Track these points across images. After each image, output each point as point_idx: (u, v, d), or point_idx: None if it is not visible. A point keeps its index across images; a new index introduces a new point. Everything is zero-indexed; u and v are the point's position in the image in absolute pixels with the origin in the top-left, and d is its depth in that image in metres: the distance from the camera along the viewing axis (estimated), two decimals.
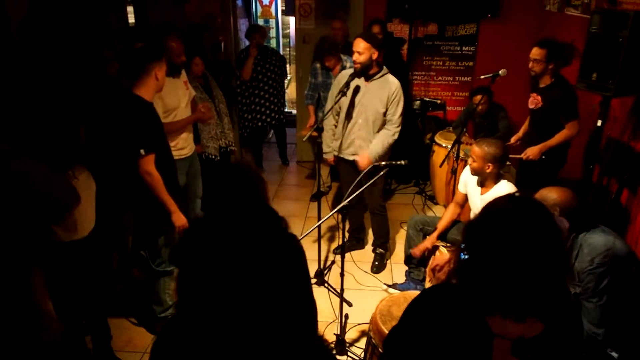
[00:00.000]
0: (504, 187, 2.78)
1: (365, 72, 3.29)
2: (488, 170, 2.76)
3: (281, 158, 6.01)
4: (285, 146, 5.98)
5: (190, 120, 3.38)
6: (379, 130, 3.42)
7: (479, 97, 4.28)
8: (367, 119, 3.39)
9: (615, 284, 2.07)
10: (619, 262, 2.07)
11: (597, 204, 3.24)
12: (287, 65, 7.71)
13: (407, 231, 3.40)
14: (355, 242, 4.05)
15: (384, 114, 3.37)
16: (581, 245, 2.12)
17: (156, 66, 2.59)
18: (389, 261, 3.91)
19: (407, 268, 3.50)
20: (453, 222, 3.17)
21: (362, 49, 3.19)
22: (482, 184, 2.89)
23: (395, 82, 3.35)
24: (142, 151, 2.55)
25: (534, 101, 3.51)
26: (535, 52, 3.33)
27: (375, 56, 3.24)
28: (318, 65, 4.50)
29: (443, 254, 2.96)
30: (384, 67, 3.39)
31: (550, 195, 2.10)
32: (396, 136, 3.42)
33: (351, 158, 3.55)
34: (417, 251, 3.09)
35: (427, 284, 3.12)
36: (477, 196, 2.92)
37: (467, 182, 3.04)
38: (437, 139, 4.56)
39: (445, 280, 2.65)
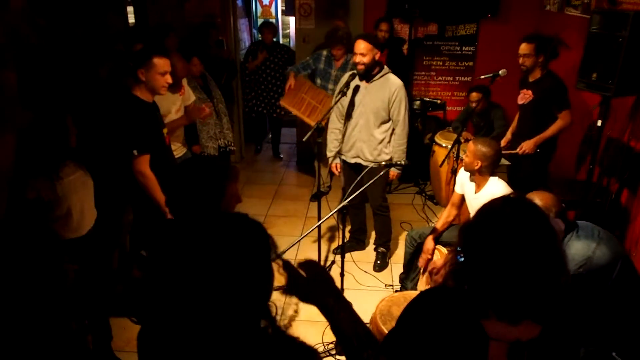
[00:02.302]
0: (495, 185, 2.78)
1: (368, 73, 3.28)
2: (476, 167, 2.76)
3: (273, 151, 6.19)
4: (279, 140, 6.18)
5: (176, 124, 3.28)
6: (381, 134, 3.40)
7: (475, 94, 4.27)
8: (368, 120, 3.37)
9: (586, 294, 2.04)
10: (596, 272, 2.03)
11: (597, 204, 3.24)
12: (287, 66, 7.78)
13: (405, 248, 3.35)
14: (356, 243, 4.04)
15: (387, 115, 3.35)
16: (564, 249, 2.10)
17: (142, 69, 2.63)
18: (389, 260, 3.90)
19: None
20: (450, 224, 3.17)
21: (365, 50, 3.17)
22: (473, 181, 2.89)
23: (396, 82, 3.32)
24: (135, 152, 2.56)
25: (524, 96, 3.54)
26: (524, 47, 3.40)
27: (377, 56, 3.24)
28: (325, 52, 4.49)
29: (440, 256, 2.95)
30: (385, 67, 3.37)
31: (534, 201, 2.08)
32: (406, 136, 3.42)
33: (352, 161, 3.54)
34: (421, 261, 3.08)
35: (423, 286, 3.10)
36: (472, 195, 2.93)
37: (463, 182, 3.04)
38: (437, 139, 4.56)
39: (442, 282, 2.65)
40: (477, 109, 4.39)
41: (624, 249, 2.18)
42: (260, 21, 7.45)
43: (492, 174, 2.82)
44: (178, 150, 3.41)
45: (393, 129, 3.43)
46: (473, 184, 2.92)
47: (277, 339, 1.04)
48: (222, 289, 0.95)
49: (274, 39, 5.69)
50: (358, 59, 3.21)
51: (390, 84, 3.29)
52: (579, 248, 2.05)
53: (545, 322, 1.09)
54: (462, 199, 3.11)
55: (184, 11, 5.29)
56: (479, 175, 2.82)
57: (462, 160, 3.87)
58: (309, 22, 5.38)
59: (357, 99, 3.38)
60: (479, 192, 2.85)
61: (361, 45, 3.18)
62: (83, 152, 2.44)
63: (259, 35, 5.53)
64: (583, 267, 2.00)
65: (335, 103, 3.43)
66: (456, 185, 3.15)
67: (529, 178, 3.58)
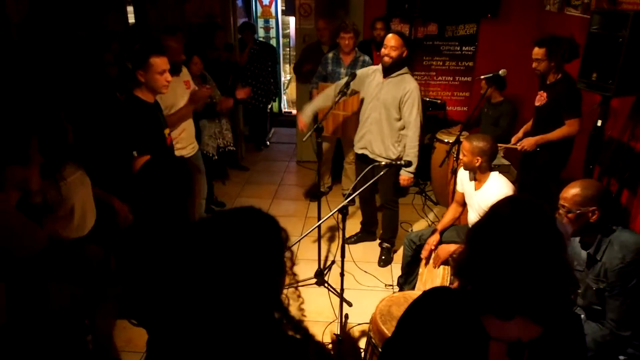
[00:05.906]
0: (496, 181, 2.79)
1: (392, 68, 3.32)
2: (477, 164, 2.76)
3: (257, 141, 6.39)
4: (264, 130, 6.46)
5: (184, 110, 3.28)
6: (391, 131, 3.43)
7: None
8: (380, 114, 3.43)
9: None
10: None
11: None
12: (287, 65, 7.79)
13: (403, 251, 3.36)
14: (367, 234, 4.11)
15: (397, 114, 3.39)
16: (611, 242, 2.07)
17: (140, 71, 2.64)
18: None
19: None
20: (454, 221, 3.17)
21: (396, 44, 3.25)
22: (474, 178, 2.90)
23: (411, 84, 3.36)
24: (134, 153, 2.56)
25: (540, 98, 3.51)
26: (536, 52, 3.36)
27: (405, 55, 3.30)
28: (330, 55, 4.50)
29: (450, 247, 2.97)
30: (406, 67, 3.41)
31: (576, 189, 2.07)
32: (417, 139, 3.40)
33: (360, 152, 3.61)
34: (424, 252, 3.09)
35: (422, 288, 3.11)
36: (472, 192, 2.93)
37: (463, 180, 3.04)
38: (439, 135, 4.57)
39: (443, 260, 2.76)
40: (493, 101, 4.31)
41: None
42: (260, 21, 7.46)
43: (492, 169, 2.83)
44: (189, 148, 3.42)
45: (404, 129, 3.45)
46: (473, 182, 2.92)
47: (291, 330, 1.05)
48: (236, 282, 0.96)
49: (255, 37, 6.03)
50: (387, 50, 3.26)
51: (405, 83, 3.35)
52: (630, 238, 2.07)
53: (546, 322, 1.09)
54: (464, 196, 3.11)
55: (184, 11, 5.29)
56: (479, 172, 2.83)
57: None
58: (309, 22, 5.38)
59: (373, 92, 3.43)
60: (480, 189, 2.85)
61: (393, 40, 3.25)
62: (80, 152, 2.43)
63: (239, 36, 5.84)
64: None
65: (335, 103, 3.44)
66: (457, 183, 3.15)
67: (538, 182, 3.55)
